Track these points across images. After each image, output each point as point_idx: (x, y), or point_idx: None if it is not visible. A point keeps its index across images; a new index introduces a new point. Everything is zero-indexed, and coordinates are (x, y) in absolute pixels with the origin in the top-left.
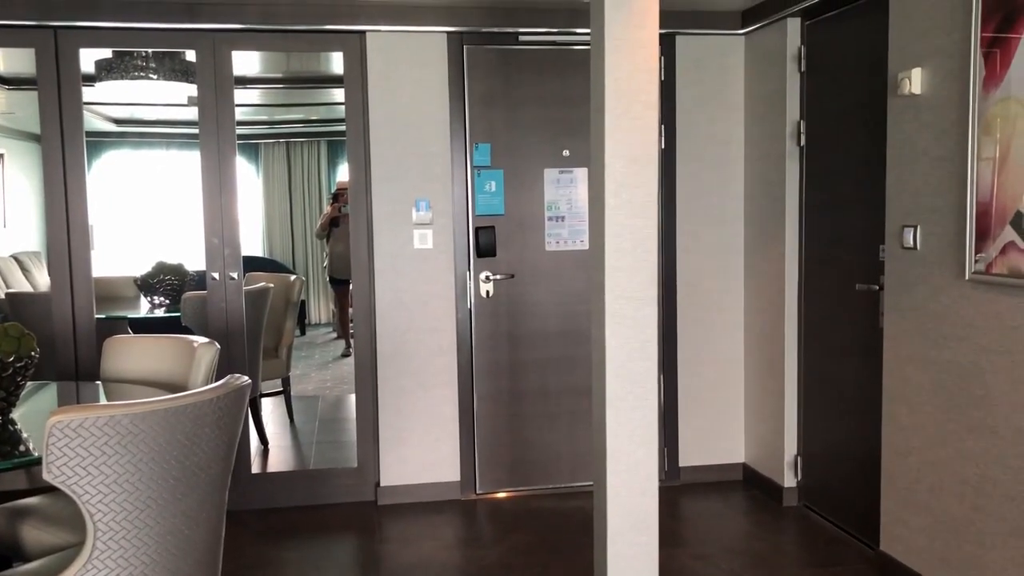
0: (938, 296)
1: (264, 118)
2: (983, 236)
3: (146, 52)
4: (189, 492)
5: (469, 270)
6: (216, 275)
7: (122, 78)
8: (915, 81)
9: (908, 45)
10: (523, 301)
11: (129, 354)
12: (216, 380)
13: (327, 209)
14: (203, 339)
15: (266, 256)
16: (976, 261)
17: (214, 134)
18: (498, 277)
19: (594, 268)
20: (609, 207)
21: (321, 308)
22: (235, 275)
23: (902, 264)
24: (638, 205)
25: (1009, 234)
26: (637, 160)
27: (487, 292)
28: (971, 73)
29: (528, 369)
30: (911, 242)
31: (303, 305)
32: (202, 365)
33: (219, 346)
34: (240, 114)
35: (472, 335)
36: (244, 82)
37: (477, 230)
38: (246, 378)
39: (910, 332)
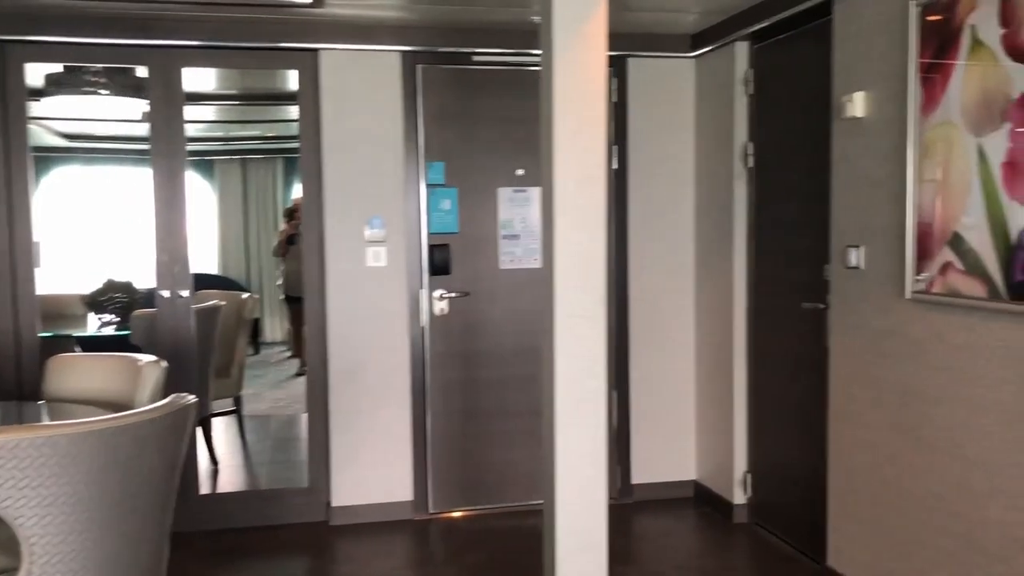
0: (881, 315)
1: (220, 134)
2: (924, 256)
3: (97, 67)
4: (130, 514)
5: (423, 288)
6: (166, 293)
7: (72, 93)
8: (857, 105)
9: (851, 69)
10: (478, 319)
11: (73, 373)
12: (162, 399)
13: (283, 227)
14: (149, 357)
15: (220, 274)
16: (917, 281)
17: (165, 151)
18: (452, 295)
19: (544, 287)
20: (559, 226)
21: (276, 326)
22: (185, 293)
23: (847, 283)
24: (587, 224)
25: (947, 254)
26: (586, 180)
27: (441, 310)
28: (910, 97)
29: (483, 387)
30: (855, 262)
31: (257, 323)
32: (148, 384)
33: (165, 364)
34: (195, 131)
35: (426, 353)
36: (199, 98)
37: (431, 248)
38: (191, 397)
39: (854, 350)
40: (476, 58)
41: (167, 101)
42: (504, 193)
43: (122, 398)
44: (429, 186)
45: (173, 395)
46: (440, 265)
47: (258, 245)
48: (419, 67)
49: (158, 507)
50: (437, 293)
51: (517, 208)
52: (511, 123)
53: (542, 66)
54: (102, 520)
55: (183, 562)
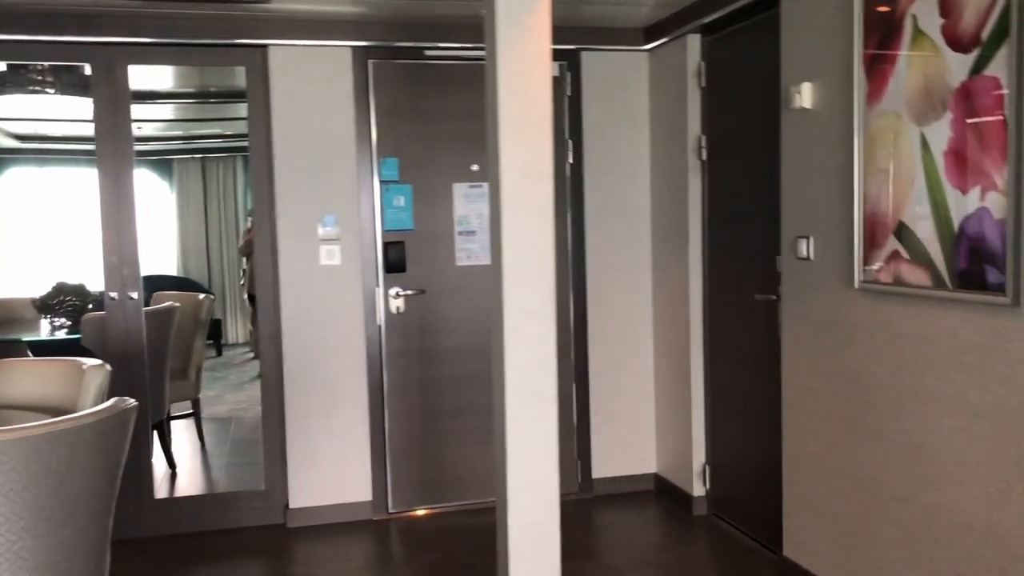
0: (830, 305)
1: (179, 133)
2: (871, 246)
3: (42, 65)
4: (67, 522)
5: (378, 286)
6: (115, 295)
7: (17, 92)
8: (805, 95)
9: (798, 60)
10: (434, 317)
11: (14, 378)
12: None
13: (249, 224)
14: (93, 361)
15: (181, 274)
16: (865, 271)
17: (111, 151)
18: (408, 293)
19: (494, 284)
20: (506, 222)
21: (239, 327)
22: (134, 295)
23: (797, 274)
24: (534, 220)
25: (894, 244)
26: (532, 175)
27: (397, 308)
28: (855, 87)
29: (440, 386)
30: (805, 253)
31: (219, 325)
32: (91, 388)
33: (109, 368)
34: (153, 129)
35: (382, 352)
36: (154, 96)
37: (386, 245)
38: (131, 401)
39: (806, 341)
40: (429, 53)
41: (112, 99)
42: (459, 189)
43: (65, 403)
44: (383, 182)
45: (114, 399)
46: (395, 263)
47: (219, 245)
48: (371, 63)
49: (97, 515)
50: (393, 291)
51: (472, 204)
52: (465, 118)
53: (486, 60)
54: (36, 530)
55: (137, 569)
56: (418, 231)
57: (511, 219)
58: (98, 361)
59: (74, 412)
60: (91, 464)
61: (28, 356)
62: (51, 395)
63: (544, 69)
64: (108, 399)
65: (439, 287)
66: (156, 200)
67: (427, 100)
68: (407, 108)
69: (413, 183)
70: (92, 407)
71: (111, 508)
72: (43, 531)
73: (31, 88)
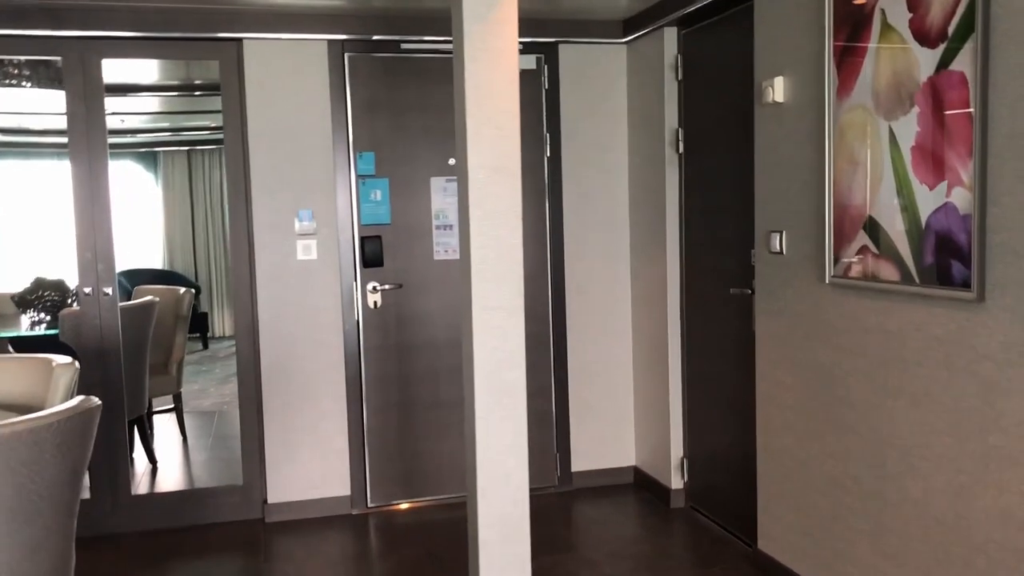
0: (802, 299)
1: (165, 125)
2: (841, 241)
3: (17, 59)
4: (29, 521)
5: (356, 281)
6: (89, 290)
7: None
8: (777, 89)
9: (771, 54)
10: (412, 312)
11: None
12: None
13: None
14: (62, 358)
15: (167, 268)
16: (835, 265)
17: (84, 145)
18: (386, 287)
19: (462, 279)
20: (474, 217)
21: (225, 321)
22: (109, 290)
23: (770, 268)
24: (502, 215)
25: (863, 239)
26: (500, 170)
27: (375, 303)
28: (826, 82)
29: (418, 380)
30: (778, 247)
31: (205, 318)
32: (60, 386)
33: (78, 365)
34: (139, 122)
35: (360, 347)
36: (137, 89)
37: (363, 240)
38: (95, 400)
39: (779, 335)
40: (405, 46)
41: (86, 93)
42: (437, 183)
43: (34, 401)
44: (360, 177)
45: (79, 397)
46: (372, 257)
47: (206, 237)
48: (347, 56)
49: (61, 514)
50: (370, 286)
51: (450, 198)
52: (442, 112)
53: (454, 56)
54: None
55: (113, 565)
56: (395, 225)
57: (479, 214)
58: (67, 359)
59: (43, 410)
60: (53, 463)
61: (9, 351)
62: (19, 393)
63: (511, 65)
64: (80, 396)
65: (417, 282)
66: (141, 193)
67: (404, 94)
68: (384, 102)
69: (390, 177)
70: (60, 405)
71: (75, 507)
72: (4, 531)
73: (6, 82)
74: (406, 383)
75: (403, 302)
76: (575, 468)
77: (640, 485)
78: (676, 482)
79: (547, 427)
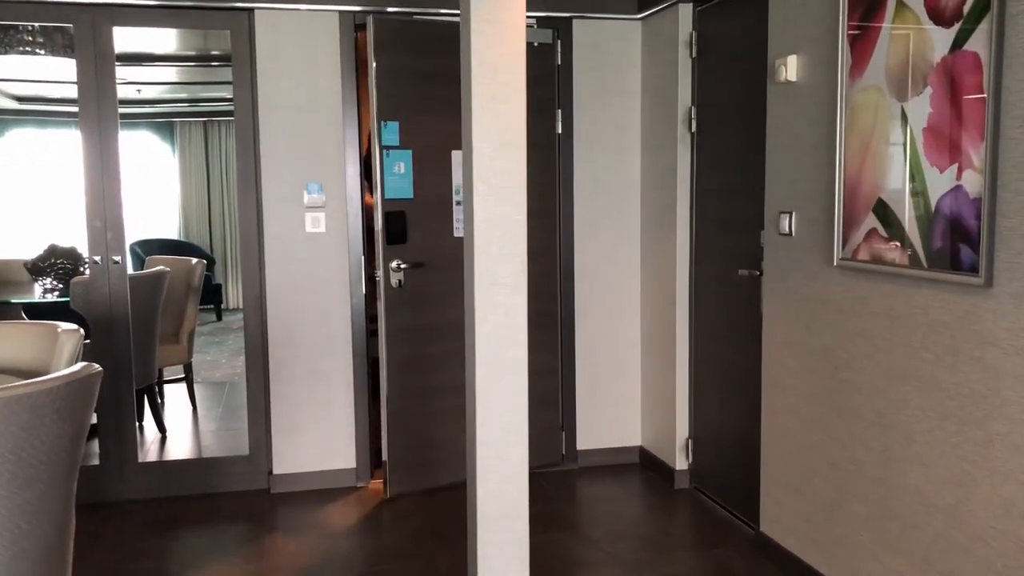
0: (810, 282)
1: (182, 96)
2: (850, 223)
3: (32, 26)
4: (27, 486)
5: (364, 256)
6: (98, 258)
7: (7, 53)
8: (790, 68)
9: (784, 33)
10: (432, 290)
11: None
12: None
13: None
14: (68, 325)
15: (182, 239)
16: (843, 247)
17: (95, 113)
18: (405, 266)
19: (465, 255)
20: (478, 193)
21: (240, 292)
22: (118, 258)
23: (779, 250)
24: (507, 191)
25: (872, 221)
26: (506, 145)
27: (399, 281)
28: (839, 61)
29: (432, 360)
30: (787, 228)
31: (219, 289)
32: (64, 352)
33: (83, 332)
34: (156, 92)
35: (383, 328)
36: (152, 59)
37: (387, 216)
38: (96, 367)
39: (786, 317)
40: (417, 17)
41: (96, 61)
42: (457, 157)
43: (39, 366)
44: (384, 148)
45: (80, 364)
46: (397, 234)
47: (222, 208)
48: (371, 18)
49: (60, 478)
50: (394, 264)
51: None
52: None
53: (460, 27)
54: None
55: (119, 531)
56: (417, 200)
57: (484, 190)
58: (73, 326)
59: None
60: (53, 428)
61: (23, 318)
62: (25, 358)
63: (518, 39)
64: (84, 363)
65: (437, 260)
66: (157, 163)
67: (428, 62)
68: (408, 70)
69: (413, 149)
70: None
71: (75, 473)
72: (3, 493)
73: (21, 49)
74: (419, 362)
75: (423, 281)
76: (580, 447)
77: (645, 465)
78: (680, 463)
79: (553, 405)
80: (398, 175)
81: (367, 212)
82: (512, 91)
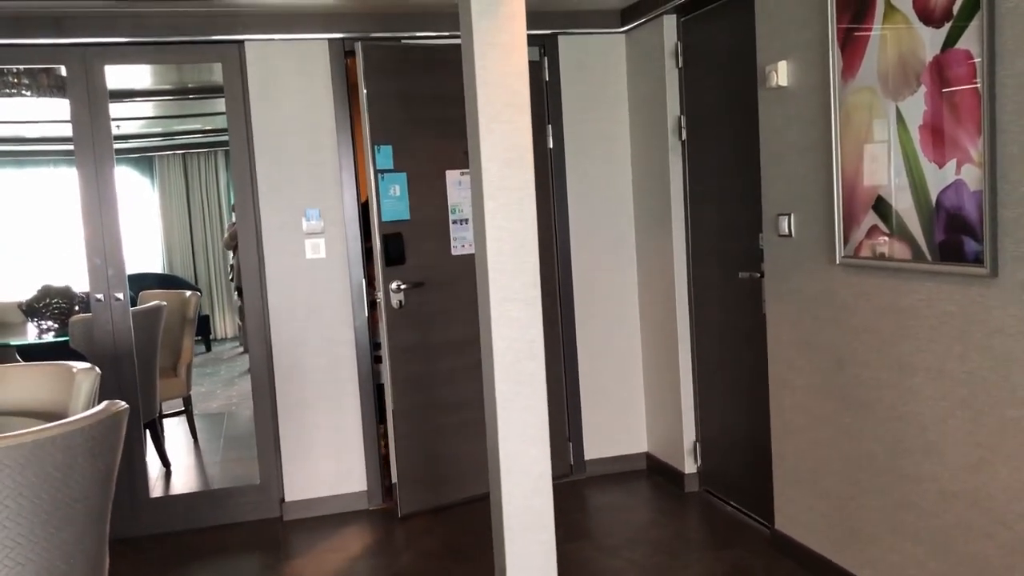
0: (813, 281)
1: (159, 130)
2: (850, 221)
3: (17, 68)
4: (64, 526)
5: (365, 278)
6: (100, 296)
7: None
8: (781, 74)
9: (773, 39)
10: (433, 309)
11: (4, 384)
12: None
13: (233, 219)
14: (83, 364)
15: (166, 272)
16: (845, 246)
17: (90, 151)
18: (405, 286)
19: (478, 272)
20: (488, 210)
21: (227, 323)
22: (120, 295)
23: (779, 251)
24: (515, 207)
25: (873, 218)
26: (512, 163)
27: (400, 302)
28: (830, 64)
29: (437, 378)
30: (786, 230)
31: (207, 321)
32: (82, 392)
33: (99, 371)
34: (133, 127)
35: (386, 347)
36: (132, 95)
37: (384, 238)
38: (123, 404)
39: (790, 317)
40: (405, 42)
41: (90, 100)
42: (452, 176)
43: (57, 407)
44: (378, 171)
45: (106, 402)
46: (395, 255)
47: (204, 240)
48: (359, 45)
49: (93, 517)
50: (394, 285)
51: (465, 191)
52: (455, 102)
53: (463, 50)
54: (33, 534)
55: (135, 568)
56: (414, 221)
57: (493, 207)
58: (87, 364)
59: (65, 416)
60: (86, 467)
61: (17, 361)
62: (42, 400)
63: (520, 59)
64: (99, 402)
65: (437, 278)
66: (138, 198)
67: (417, 85)
68: (398, 94)
69: (407, 171)
70: (83, 411)
71: (107, 510)
72: (41, 535)
73: (7, 92)
74: (425, 381)
75: (423, 300)
76: (587, 456)
77: (653, 471)
78: (689, 467)
79: (558, 415)
80: (394, 198)
81: (366, 236)
82: (516, 110)
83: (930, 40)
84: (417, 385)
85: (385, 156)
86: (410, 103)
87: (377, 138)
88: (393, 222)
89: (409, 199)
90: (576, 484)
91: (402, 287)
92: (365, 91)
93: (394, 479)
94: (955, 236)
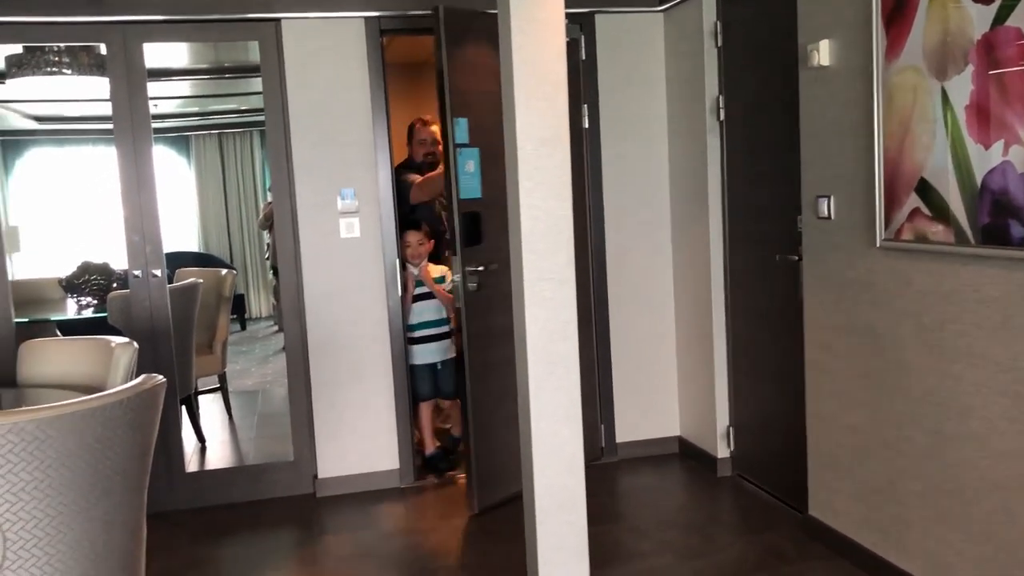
0: (852, 264)
1: (195, 109)
2: (892, 204)
3: (58, 46)
4: (104, 496)
5: (399, 258)
6: (138, 273)
7: (34, 74)
8: (823, 53)
9: (815, 17)
10: (502, 292)
11: (46, 358)
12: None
13: (269, 198)
14: (121, 339)
15: (202, 250)
16: (886, 228)
17: (129, 129)
18: (481, 268)
19: (512, 251)
20: (523, 189)
21: (262, 301)
22: (158, 272)
23: (818, 234)
24: (551, 186)
25: (915, 201)
26: (548, 141)
27: (477, 285)
28: (874, 43)
29: (501, 366)
30: (825, 212)
31: (242, 299)
32: (120, 366)
33: (137, 345)
34: (169, 106)
35: (465, 333)
36: (168, 74)
37: (463, 216)
38: (160, 377)
39: (827, 300)
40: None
41: (129, 78)
42: None
43: (95, 381)
44: (456, 146)
45: (144, 376)
46: (473, 235)
47: (240, 219)
48: (441, 7)
49: (132, 489)
50: (471, 267)
51: None
52: None
53: (499, 26)
54: (74, 504)
55: (170, 540)
56: (485, 199)
57: (529, 186)
58: (126, 339)
59: (104, 389)
60: (125, 439)
61: (56, 335)
62: (81, 373)
63: (558, 36)
64: (136, 376)
65: (506, 260)
66: (175, 177)
67: (484, 55)
68: (469, 64)
69: (480, 146)
70: (122, 384)
71: (145, 482)
72: (81, 506)
73: (49, 70)
74: (501, 371)
75: (497, 282)
76: (619, 439)
77: (685, 455)
78: (722, 451)
79: (590, 398)
80: (468, 174)
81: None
82: (553, 87)
83: (978, 17)
84: (488, 372)
85: (462, 129)
86: (478, 74)
87: (455, 110)
88: (468, 200)
89: (481, 176)
90: (607, 467)
91: (479, 269)
92: (445, 58)
93: (469, 473)
94: (1000, 219)
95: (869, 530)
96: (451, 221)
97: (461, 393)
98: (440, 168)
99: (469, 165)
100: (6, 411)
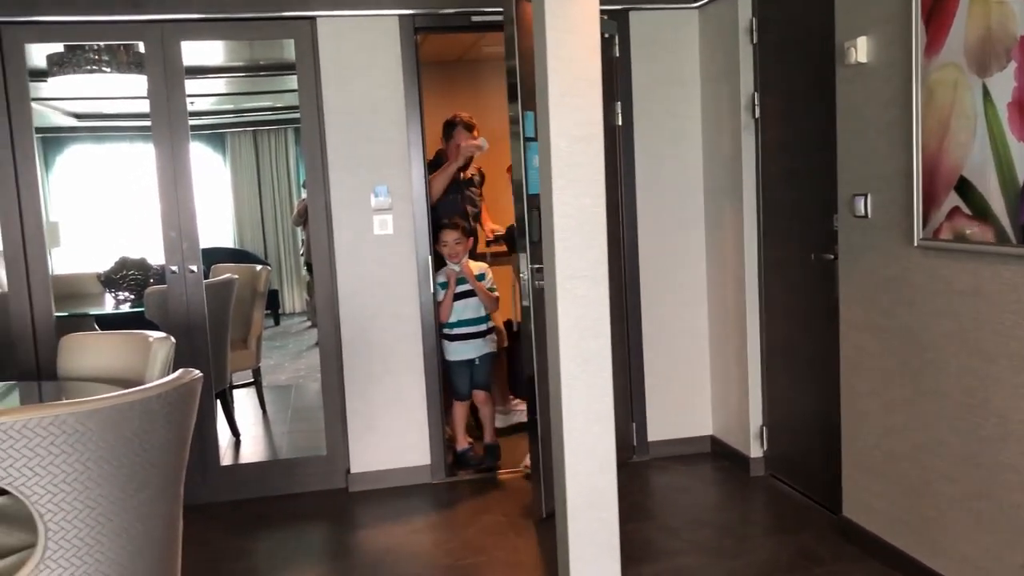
0: (889, 263)
1: (230, 107)
2: (930, 202)
3: (98, 45)
4: (142, 489)
5: (431, 255)
6: (175, 268)
7: (75, 72)
8: (861, 50)
9: (853, 14)
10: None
11: (85, 351)
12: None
13: (303, 195)
14: (159, 334)
15: (237, 246)
16: (924, 227)
17: (167, 126)
18: (538, 267)
19: (544, 248)
20: (556, 187)
21: (295, 297)
22: (195, 268)
23: (854, 233)
24: (584, 184)
25: (954, 199)
26: (582, 139)
27: (540, 283)
28: (913, 40)
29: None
30: (862, 211)
31: (276, 295)
32: (158, 360)
33: (174, 340)
34: (205, 104)
35: (535, 331)
36: (205, 71)
37: (531, 212)
38: (197, 372)
39: (863, 300)
40: (475, 19)
41: (167, 76)
42: None
43: (133, 374)
44: (526, 139)
45: (181, 370)
46: (535, 231)
47: (274, 216)
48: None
49: (169, 481)
50: (537, 265)
51: None
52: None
53: (534, 23)
54: (113, 496)
55: (205, 533)
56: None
57: (562, 183)
58: (163, 334)
59: (142, 383)
60: (162, 432)
61: (95, 330)
62: (120, 367)
63: (592, 33)
64: (173, 370)
65: None
66: (210, 174)
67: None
68: (532, 55)
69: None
70: (159, 378)
71: (182, 475)
72: (119, 497)
73: (89, 68)
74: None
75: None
76: (651, 438)
77: (717, 454)
78: (755, 451)
79: (622, 397)
80: (535, 169)
81: (433, 213)
82: (587, 84)
83: (1022, 13)
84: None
85: (530, 122)
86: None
87: (524, 103)
88: (535, 196)
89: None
90: (639, 465)
91: (540, 267)
92: (518, 51)
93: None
94: None
95: (904, 532)
96: (520, 217)
97: (530, 397)
98: (446, 165)
99: (536, 160)
100: (48, 404)
